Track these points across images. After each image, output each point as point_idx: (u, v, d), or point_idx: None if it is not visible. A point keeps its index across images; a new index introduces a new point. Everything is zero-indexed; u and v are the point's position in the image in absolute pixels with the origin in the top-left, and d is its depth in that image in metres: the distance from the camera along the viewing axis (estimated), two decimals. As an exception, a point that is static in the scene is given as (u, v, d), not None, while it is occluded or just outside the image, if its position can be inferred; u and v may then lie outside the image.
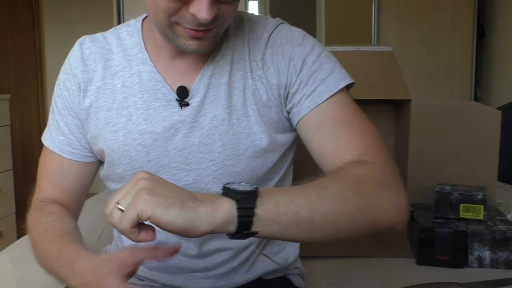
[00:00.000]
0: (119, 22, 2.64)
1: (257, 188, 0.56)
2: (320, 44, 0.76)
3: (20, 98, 3.57)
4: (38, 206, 0.79)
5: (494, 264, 1.11)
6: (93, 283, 0.56)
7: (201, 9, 0.60)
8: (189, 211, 0.52)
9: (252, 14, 0.81)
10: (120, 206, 0.53)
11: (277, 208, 0.56)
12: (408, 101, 1.36)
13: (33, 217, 0.77)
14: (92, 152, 0.80)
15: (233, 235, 0.55)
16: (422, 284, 0.98)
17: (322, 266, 1.15)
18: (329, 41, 2.82)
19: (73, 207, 0.83)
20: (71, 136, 0.79)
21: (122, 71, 0.76)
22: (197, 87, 0.73)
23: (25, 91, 3.68)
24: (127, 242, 0.81)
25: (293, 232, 0.57)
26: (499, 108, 1.65)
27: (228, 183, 0.56)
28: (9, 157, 2.89)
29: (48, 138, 0.81)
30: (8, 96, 2.88)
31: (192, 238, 0.73)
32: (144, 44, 0.77)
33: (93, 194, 1.88)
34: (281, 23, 0.78)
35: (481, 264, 1.12)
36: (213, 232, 0.54)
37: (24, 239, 1.28)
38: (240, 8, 0.83)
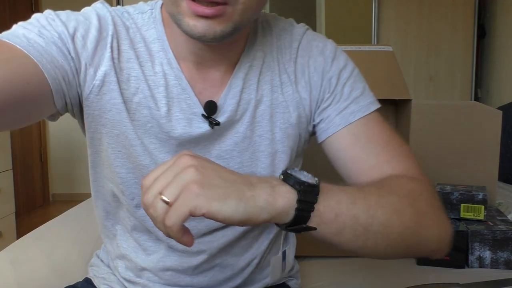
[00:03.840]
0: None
1: (319, 182, 0.52)
2: (350, 58, 0.73)
3: (20, 98, 3.58)
4: None
5: (494, 264, 1.11)
6: None
7: None
8: (248, 202, 0.47)
9: (277, 17, 0.74)
10: (164, 198, 0.46)
11: (338, 207, 0.52)
12: (408, 101, 1.36)
13: None
14: (67, 97, 0.61)
15: (287, 226, 0.51)
16: (422, 285, 0.98)
17: (321, 266, 1.15)
18: (329, 41, 2.82)
19: None
20: (51, 47, 0.58)
21: (144, 65, 0.65)
22: (224, 101, 0.66)
23: (25, 91, 3.68)
24: (115, 237, 0.78)
25: (347, 236, 0.53)
26: (499, 108, 1.65)
27: (289, 169, 0.53)
28: (9, 157, 2.88)
29: (14, 37, 0.57)
30: (8, 96, 2.88)
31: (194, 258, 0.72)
32: (167, 40, 0.65)
33: (93, 194, 1.88)
34: (307, 29, 0.73)
35: (481, 264, 1.11)
36: (271, 221, 0.50)
37: (24, 239, 1.29)
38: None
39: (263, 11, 0.72)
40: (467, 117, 1.35)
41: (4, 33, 0.59)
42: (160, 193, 0.46)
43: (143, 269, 0.75)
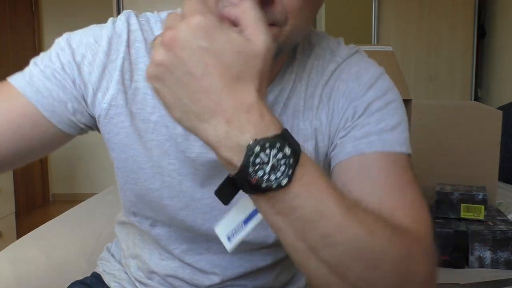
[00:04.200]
0: (119, 22, 2.64)
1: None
2: (396, 91, 0.62)
3: (20, 98, 3.58)
4: None
5: (494, 264, 1.11)
6: None
7: None
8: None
9: (324, 36, 0.67)
10: None
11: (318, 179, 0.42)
12: (408, 101, 1.36)
13: None
14: (79, 123, 0.61)
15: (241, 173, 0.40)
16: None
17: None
18: (329, 41, 2.82)
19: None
20: (52, 81, 0.58)
21: None
22: None
23: (25, 91, 3.68)
24: (130, 236, 0.79)
25: (303, 226, 0.43)
26: (499, 108, 1.65)
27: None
28: (9, 157, 2.88)
29: (20, 76, 0.59)
30: (8, 96, 2.88)
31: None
32: None
33: (93, 194, 1.88)
34: (355, 52, 0.65)
35: (481, 264, 1.11)
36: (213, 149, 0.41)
37: (24, 239, 1.29)
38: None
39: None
40: (467, 117, 1.35)
41: (22, 72, 0.60)
42: None
43: (153, 272, 0.74)
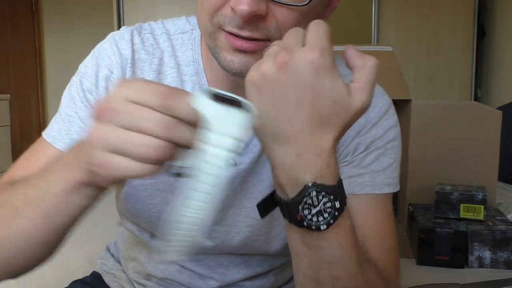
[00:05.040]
0: (118, 22, 2.64)
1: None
2: (397, 128, 0.65)
3: (20, 98, 3.57)
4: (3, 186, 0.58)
5: (494, 264, 1.11)
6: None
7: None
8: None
9: (338, 58, 0.67)
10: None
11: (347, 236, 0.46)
12: (408, 101, 1.36)
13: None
14: None
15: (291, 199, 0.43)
16: (422, 285, 0.98)
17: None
18: (329, 41, 2.82)
19: None
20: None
21: None
22: (252, 139, 0.61)
23: (25, 91, 3.68)
24: (128, 239, 0.79)
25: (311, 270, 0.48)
26: (499, 108, 1.65)
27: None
28: (9, 157, 2.89)
29: (55, 132, 0.62)
30: (8, 96, 2.89)
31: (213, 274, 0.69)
32: (202, 63, 0.62)
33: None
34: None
35: (481, 264, 1.11)
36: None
37: (24, 239, 1.28)
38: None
39: None
40: (467, 117, 1.35)
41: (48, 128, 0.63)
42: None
43: (151, 275, 0.74)
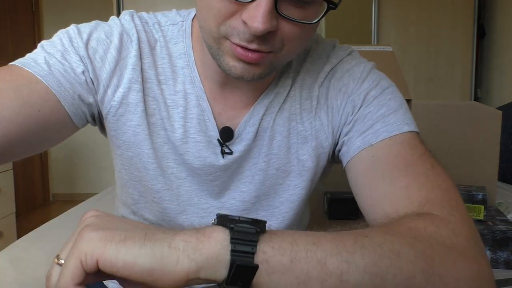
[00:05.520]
0: (119, 22, 2.64)
1: (265, 221, 0.40)
2: (389, 80, 0.64)
3: (20, 98, 3.57)
4: None
5: (494, 264, 1.11)
6: None
7: (255, 15, 0.47)
8: (156, 243, 0.37)
9: (320, 41, 0.67)
10: (60, 261, 0.37)
11: (292, 249, 0.39)
12: (408, 101, 1.36)
13: None
14: (88, 116, 0.61)
15: (226, 283, 0.38)
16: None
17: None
18: (329, 41, 2.82)
19: None
20: (78, 86, 0.58)
21: (166, 83, 0.62)
22: (244, 128, 0.63)
23: (25, 91, 3.68)
24: None
25: None
26: (499, 108, 1.65)
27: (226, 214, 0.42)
28: (9, 157, 2.88)
29: (33, 62, 0.57)
30: (8, 96, 2.88)
31: None
32: (193, 55, 0.63)
33: (93, 194, 1.88)
34: (349, 54, 0.66)
35: (481, 264, 1.12)
36: (199, 278, 0.37)
37: (24, 239, 1.29)
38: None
39: None
40: (467, 117, 1.35)
41: (28, 55, 0.59)
42: (57, 257, 0.38)
43: None
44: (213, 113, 0.62)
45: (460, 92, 2.94)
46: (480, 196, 1.18)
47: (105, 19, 0.65)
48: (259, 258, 0.38)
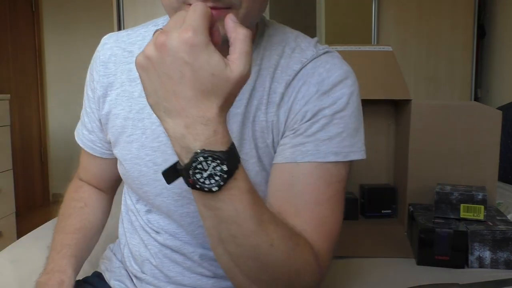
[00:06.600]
0: (119, 23, 2.64)
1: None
2: (352, 96, 0.64)
3: (20, 98, 3.57)
4: (77, 184, 0.89)
5: (494, 264, 1.11)
6: None
7: None
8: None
9: (300, 36, 0.70)
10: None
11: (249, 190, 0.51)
12: (408, 101, 1.36)
13: (68, 195, 0.88)
14: (112, 151, 0.78)
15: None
16: (422, 285, 0.98)
17: (322, 266, 1.15)
18: (329, 40, 2.82)
19: (106, 190, 0.89)
20: (93, 134, 0.79)
21: (135, 81, 0.70)
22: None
23: (25, 91, 3.68)
24: (130, 241, 0.80)
25: (214, 230, 0.53)
26: (499, 108, 1.65)
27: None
28: (9, 157, 2.88)
29: (77, 129, 0.83)
30: (8, 96, 2.88)
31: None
32: None
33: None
34: (324, 53, 0.66)
35: (481, 265, 1.11)
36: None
37: (24, 239, 1.29)
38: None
39: (273, 20, 0.71)
40: (467, 117, 1.35)
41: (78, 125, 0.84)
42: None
43: (145, 259, 0.76)
44: None
45: (460, 92, 2.94)
46: (480, 196, 1.18)
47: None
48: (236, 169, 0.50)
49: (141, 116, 0.69)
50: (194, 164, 0.47)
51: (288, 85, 0.65)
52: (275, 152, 0.66)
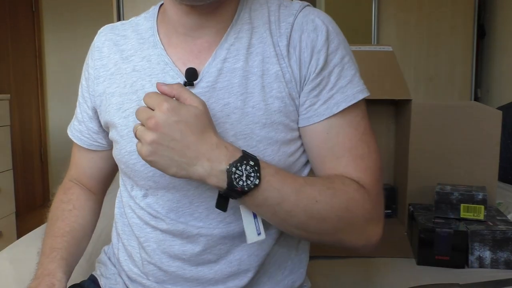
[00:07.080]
0: (119, 22, 2.64)
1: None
2: (345, 42, 0.73)
3: (20, 98, 3.57)
4: (66, 186, 0.92)
5: (494, 264, 1.11)
6: None
7: None
8: (186, 170, 0.61)
9: None
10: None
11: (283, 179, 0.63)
12: (408, 101, 1.36)
13: (56, 198, 0.90)
14: (100, 142, 0.83)
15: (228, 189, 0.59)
16: (422, 285, 0.98)
17: (320, 266, 1.15)
18: (329, 41, 2.81)
19: (95, 190, 0.90)
20: (82, 124, 0.83)
21: (134, 55, 0.75)
22: (207, 70, 0.69)
23: (25, 91, 3.68)
24: (128, 243, 0.80)
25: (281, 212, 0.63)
26: (499, 108, 1.65)
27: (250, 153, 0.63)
28: (9, 157, 2.88)
29: (71, 123, 0.87)
30: (8, 96, 2.88)
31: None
32: (157, 27, 0.76)
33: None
34: (306, 6, 0.73)
35: (481, 264, 1.11)
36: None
37: (24, 239, 1.28)
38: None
39: None
40: (467, 117, 1.35)
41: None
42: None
43: (147, 260, 0.75)
44: (176, 64, 0.71)
45: (460, 92, 2.94)
46: (480, 196, 1.18)
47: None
48: (260, 169, 0.62)
49: (134, 89, 0.73)
50: (232, 177, 0.59)
51: (288, 38, 0.70)
52: (291, 100, 0.69)
